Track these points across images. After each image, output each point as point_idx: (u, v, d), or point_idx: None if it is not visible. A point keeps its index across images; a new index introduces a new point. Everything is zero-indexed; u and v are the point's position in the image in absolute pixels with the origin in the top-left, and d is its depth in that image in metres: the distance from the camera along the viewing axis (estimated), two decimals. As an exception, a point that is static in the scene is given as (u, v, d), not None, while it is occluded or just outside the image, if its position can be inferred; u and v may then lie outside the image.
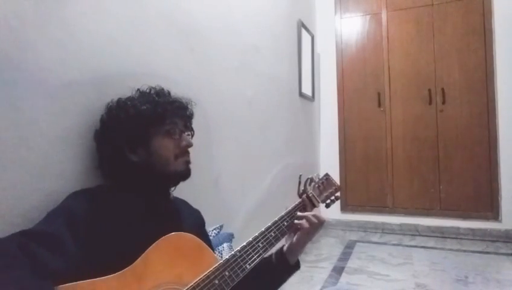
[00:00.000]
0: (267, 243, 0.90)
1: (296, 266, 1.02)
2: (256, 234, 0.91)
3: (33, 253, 0.67)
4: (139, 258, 0.74)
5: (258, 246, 0.88)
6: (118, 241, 0.78)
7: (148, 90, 0.99)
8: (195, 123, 1.06)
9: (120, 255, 0.73)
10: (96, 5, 1.04)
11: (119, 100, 0.97)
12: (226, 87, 1.82)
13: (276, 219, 0.97)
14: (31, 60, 0.85)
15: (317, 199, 1.06)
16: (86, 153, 0.97)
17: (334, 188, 1.12)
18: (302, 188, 1.06)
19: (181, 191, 1.05)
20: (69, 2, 0.95)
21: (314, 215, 0.97)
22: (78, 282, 0.66)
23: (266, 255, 0.93)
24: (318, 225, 0.97)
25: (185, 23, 1.49)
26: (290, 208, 1.01)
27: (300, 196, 1.06)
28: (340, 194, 3.73)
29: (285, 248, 1.00)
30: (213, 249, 1.03)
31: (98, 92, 1.02)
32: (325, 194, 1.09)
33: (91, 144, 0.98)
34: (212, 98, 1.67)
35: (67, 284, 0.66)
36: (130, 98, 0.97)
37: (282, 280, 1.01)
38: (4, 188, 0.78)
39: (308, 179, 1.08)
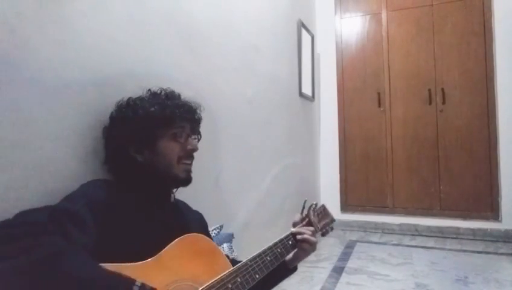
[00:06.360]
0: (274, 258, 0.97)
1: (294, 269, 1.10)
2: (265, 248, 0.97)
3: (64, 227, 0.67)
4: (162, 251, 0.77)
5: (266, 259, 0.94)
6: (131, 232, 0.80)
7: (158, 92, 0.99)
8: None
9: (131, 246, 0.75)
10: (96, 5, 1.04)
11: (129, 99, 0.97)
12: (226, 87, 1.82)
13: (282, 237, 1.04)
14: (31, 60, 0.85)
15: (318, 225, 1.14)
16: (86, 153, 0.97)
17: (330, 219, 1.22)
18: (305, 212, 1.15)
19: (181, 191, 1.05)
20: (69, 1, 0.95)
21: (311, 234, 1.08)
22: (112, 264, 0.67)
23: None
24: (312, 247, 1.07)
25: (185, 23, 1.49)
26: (294, 229, 1.08)
27: (303, 220, 1.14)
28: (340, 194, 3.74)
29: (286, 258, 1.05)
30: None
31: (98, 91, 1.02)
32: (322, 223, 1.19)
33: (91, 143, 0.98)
34: (212, 98, 1.66)
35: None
36: (140, 98, 0.97)
37: (278, 280, 1.07)
38: (4, 188, 0.78)
39: (312, 205, 1.16)
